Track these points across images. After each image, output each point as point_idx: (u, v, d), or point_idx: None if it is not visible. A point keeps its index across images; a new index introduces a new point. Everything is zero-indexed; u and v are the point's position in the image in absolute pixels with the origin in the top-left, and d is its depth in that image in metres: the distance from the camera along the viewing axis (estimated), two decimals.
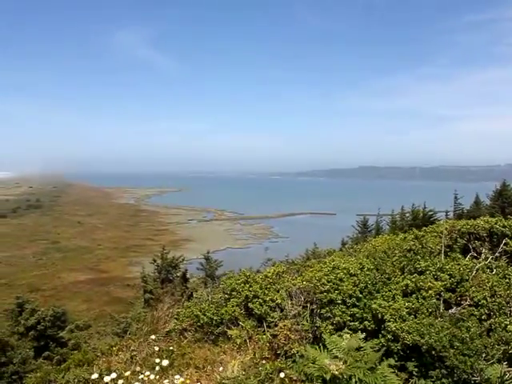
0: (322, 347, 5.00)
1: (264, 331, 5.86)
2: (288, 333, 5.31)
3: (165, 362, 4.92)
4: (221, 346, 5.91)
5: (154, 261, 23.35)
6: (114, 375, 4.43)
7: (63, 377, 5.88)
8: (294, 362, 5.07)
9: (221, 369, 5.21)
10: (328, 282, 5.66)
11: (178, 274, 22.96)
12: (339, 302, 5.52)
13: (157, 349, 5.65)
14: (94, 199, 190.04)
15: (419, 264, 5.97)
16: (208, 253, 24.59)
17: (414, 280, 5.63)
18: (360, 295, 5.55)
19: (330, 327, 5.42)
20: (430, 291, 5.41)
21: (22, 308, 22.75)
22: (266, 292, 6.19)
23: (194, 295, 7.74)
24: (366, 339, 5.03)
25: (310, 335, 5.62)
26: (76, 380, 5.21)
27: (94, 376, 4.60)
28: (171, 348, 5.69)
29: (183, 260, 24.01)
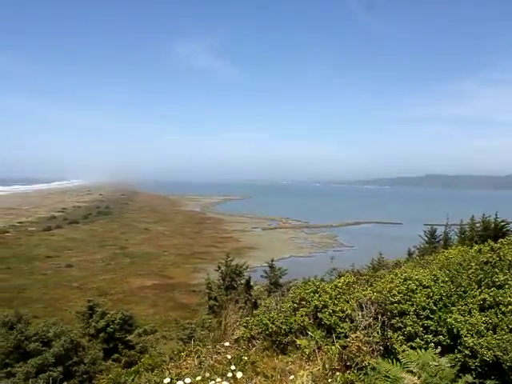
0: (394, 360, 4.87)
1: (333, 342, 5.76)
2: (360, 344, 5.20)
3: (234, 369, 4.93)
4: (289, 356, 5.86)
5: (219, 268, 23.56)
6: (187, 380, 4.48)
7: (133, 380, 6.01)
8: (365, 374, 4.96)
9: (290, 378, 5.16)
10: (399, 292, 5.52)
11: (242, 282, 23.07)
12: (411, 313, 5.36)
13: (228, 356, 5.67)
14: (161, 206, 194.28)
15: (497, 277, 5.71)
16: (272, 261, 24.55)
17: (492, 294, 5.39)
18: (434, 307, 5.37)
19: (401, 337, 5.27)
20: (510, 306, 5.16)
21: (92, 311, 23.45)
22: (336, 302, 6.10)
23: (263, 303, 7.70)
24: (440, 354, 4.86)
25: (381, 347, 5.49)
26: (147, 383, 5.31)
27: (166, 380, 4.66)
28: (241, 356, 5.70)
29: (247, 267, 24.12)
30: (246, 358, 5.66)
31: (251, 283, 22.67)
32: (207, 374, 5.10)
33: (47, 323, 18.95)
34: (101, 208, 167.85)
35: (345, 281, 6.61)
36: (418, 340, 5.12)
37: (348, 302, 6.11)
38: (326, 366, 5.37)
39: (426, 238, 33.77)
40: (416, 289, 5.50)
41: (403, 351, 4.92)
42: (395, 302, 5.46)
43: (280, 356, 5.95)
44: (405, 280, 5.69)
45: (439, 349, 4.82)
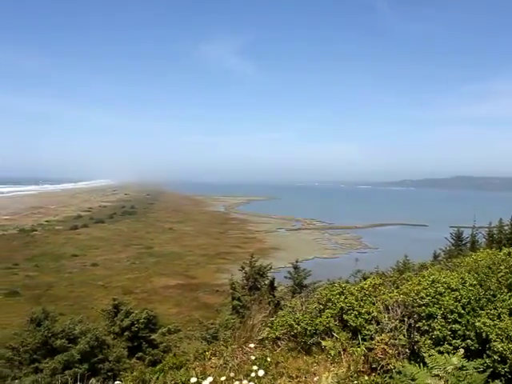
0: (420, 364, 4.81)
1: (359, 344, 5.72)
2: (386, 347, 5.14)
3: (259, 370, 4.92)
4: (314, 357, 5.83)
5: (242, 268, 23.56)
6: (210, 379, 4.48)
7: (158, 378, 6.03)
8: (390, 377, 4.90)
9: (315, 379, 5.14)
10: (427, 295, 5.44)
11: (266, 282, 23.03)
12: (439, 316, 5.29)
13: (252, 357, 5.66)
14: (185, 207, 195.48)
15: None
16: (296, 261, 24.47)
17: None
18: (462, 311, 5.29)
19: (429, 342, 5.20)
20: None
21: (117, 309, 23.67)
22: (362, 304, 6.05)
23: (288, 304, 7.67)
24: (468, 358, 4.78)
25: (407, 350, 5.42)
26: (173, 382, 5.32)
27: (193, 380, 4.67)
28: (265, 356, 5.69)
29: (271, 268, 24.08)
30: (270, 359, 5.65)
31: (275, 284, 22.62)
32: (232, 374, 5.10)
33: (73, 321, 19.20)
34: (126, 208, 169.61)
35: (371, 283, 6.55)
36: (446, 346, 5.05)
37: (374, 304, 6.06)
38: (351, 367, 5.33)
39: (452, 241, 33.29)
40: (444, 292, 5.42)
41: (430, 355, 4.85)
42: (423, 305, 5.39)
43: (305, 357, 5.92)
44: (433, 282, 5.61)
45: (468, 354, 4.74)
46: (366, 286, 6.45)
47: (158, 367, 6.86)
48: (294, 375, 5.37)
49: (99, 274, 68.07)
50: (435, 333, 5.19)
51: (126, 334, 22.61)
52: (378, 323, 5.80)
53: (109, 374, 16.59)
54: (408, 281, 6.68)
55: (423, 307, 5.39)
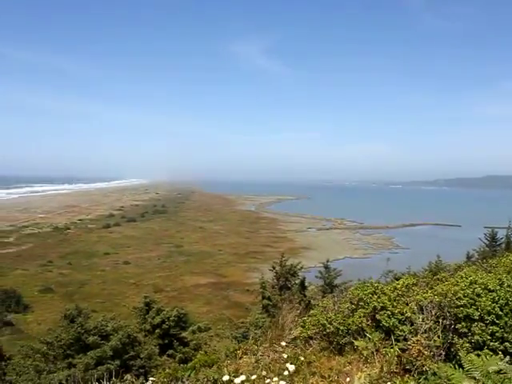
0: (457, 366, 4.70)
1: (392, 344, 5.63)
2: (421, 348, 5.04)
3: (291, 369, 4.88)
4: (346, 357, 5.77)
5: (273, 267, 23.51)
6: (243, 377, 4.47)
7: (190, 375, 6.05)
8: (425, 379, 4.81)
9: (347, 380, 5.08)
10: (464, 296, 5.33)
11: (296, 282, 22.94)
12: (476, 318, 5.17)
13: (284, 355, 5.63)
14: (216, 206, 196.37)
15: None
16: (327, 261, 24.33)
17: None
18: (500, 312, 5.16)
19: (467, 345, 5.08)
20: None
21: (148, 307, 23.89)
22: (395, 304, 5.96)
23: (320, 304, 7.61)
24: (507, 362, 4.66)
25: (442, 352, 5.31)
26: (205, 380, 5.33)
27: (225, 378, 4.67)
28: (297, 355, 5.65)
29: (301, 268, 23.97)
30: (302, 358, 5.61)
31: (305, 284, 22.53)
32: (264, 373, 5.08)
33: (105, 318, 19.46)
34: (157, 207, 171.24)
35: (404, 283, 6.44)
36: (486, 350, 4.92)
37: (408, 304, 5.96)
38: (384, 368, 5.25)
39: (486, 241, 32.63)
40: (481, 293, 5.30)
41: (467, 358, 4.74)
42: (460, 306, 5.28)
43: (337, 357, 5.86)
44: (470, 283, 5.50)
45: (507, 358, 4.61)
46: (399, 285, 6.35)
47: (189, 365, 6.91)
48: (326, 375, 5.32)
49: (131, 272, 68.86)
50: (475, 337, 5.07)
51: (157, 331, 22.81)
52: (411, 324, 5.70)
53: (140, 370, 16.74)
54: (442, 281, 6.56)
55: (460, 308, 5.28)
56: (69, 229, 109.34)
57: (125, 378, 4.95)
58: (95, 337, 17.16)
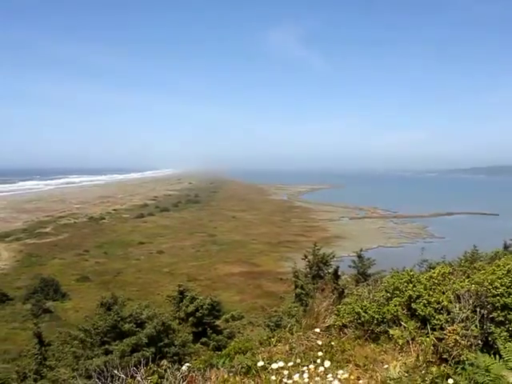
0: (495, 356, 4.62)
1: (428, 333, 5.56)
2: (457, 337, 4.97)
3: (326, 357, 4.88)
4: (382, 346, 5.73)
5: (306, 257, 23.45)
6: (279, 364, 4.50)
7: (224, 362, 6.11)
8: (462, 368, 4.74)
9: (383, 368, 5.04)
10: (502, 285, 5.22)
11: (329, 271, 22.85)
12: None
13: (319, 342, 5.63)
14: (249, 195, 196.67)
15: None
16: (361, 250, 24.15)
17: None
18: None
19: (505, 334, 4.98)
20: None
21: (182, 295, 24.20)
22: (431, 293, 5.88)
23: (355, 292, 7.57)
24: None
25: (480, 342, 5.22)
26: (240, 366, 5.37)
27: (260, 364, 4.69)
28: (332, 343, 5.64)
29: (334, 257, 23.86)
30: (336, 346, 5.60)
31: (339, 273, 22.42)
32: (298, 360, 5.08)
33: (140, 306, 19.78)
34: (190, 196, 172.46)
35: (440, 271, 6.35)
36: None
37: (444, 293, 5.87)
38: (420, 357, 5.19)
39: None
40: None
41: (505, 347, 4.65)
42: (497, 295, 5.18)
43: (372, 345, 5.83)
44: (508, 272, 5.38)
45: None
46: (435, 274, 6.26)
47: (224, 352, 6.97)
48: (360, 363, 5.30)
49: (165, 261, 69.67)
50: None
51: (190, 319, 23.11)
52: (448, 313, 5.62)
53: (174, 358, 16.97)
54: (480, 270, 6.44)
55: (497, 297, 5.18)
56: (104, 219, 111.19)
57: (162, 362, 5.00)
58: (131, 324, 17.48)
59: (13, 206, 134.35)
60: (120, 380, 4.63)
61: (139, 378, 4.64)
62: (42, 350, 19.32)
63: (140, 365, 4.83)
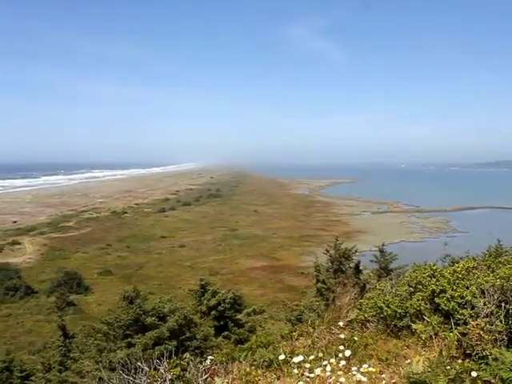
0: None
1: (451, 328, 5.51)
2: (481, 333, 4.91)
3: (348, 351, 4.87)
4: (404, 340, 5.69)
5: (327, 251, 23.35)
6: (300, 357, 4.50)
7: (246, 355, 6.13)
8: (486, 364, 4.68)
9: (405, 363, 5.01)
10: None
11: (351, 265, 22.74)
12: None
13: (342, 336, 5.62)
14: (270, 190, 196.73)
15: None
16: (383, 245, 23.98)
17: None
18: None
19: None
20: None
21: (204, 289, 24.30)
22: (455, 287, 5.81)
23: (377, 286, 7.53)
24: None
25: (505, 337, 5.15)
26: (262, 360, 5.39)
27: (281, 357, 4.71)
28: (354, 338, 5.62)
29: (356, 251, 23.73)
30: (359, 341, 5.58)
31: (360, 267, 22.30)
32: (320, 354, 5.08)
33: (162, 299, 19.94)
34: (212, 191, 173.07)
35: (464, 266, 6.27)
36: None
37: (468, 287, 5.80)
38: (444, 352, 5.14)
39: None
40: None
41: None
42: None
43: (394, 340, 5.79)
44: None
45: None
46: (459, 269, 6.19)
47: (246, 345, 6.99)
48: (383, 358, 5.27)
49: (186, 255, 70.13)
50: None
51: (212, 313, 23.20)
52: (472, 308, 5.55)
53: (196, 351, 17.07)
54: (505, 265, 6.35)
55: None
56: (126, 213, 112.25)
57: (184, 355, 5.05)
58: (153, 318, 17.64)
59: (37, 200, 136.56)
60: (143, 372, 4.68)
61: (162, 371, 4.68)
62: (66, 342, 19.62)
63: (163, 358, 4.87)
